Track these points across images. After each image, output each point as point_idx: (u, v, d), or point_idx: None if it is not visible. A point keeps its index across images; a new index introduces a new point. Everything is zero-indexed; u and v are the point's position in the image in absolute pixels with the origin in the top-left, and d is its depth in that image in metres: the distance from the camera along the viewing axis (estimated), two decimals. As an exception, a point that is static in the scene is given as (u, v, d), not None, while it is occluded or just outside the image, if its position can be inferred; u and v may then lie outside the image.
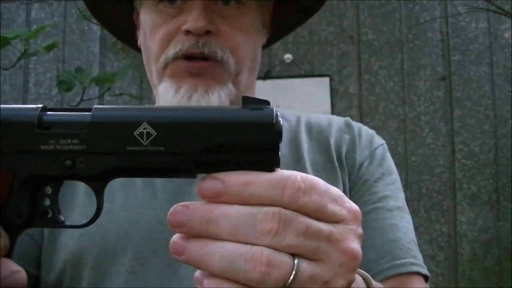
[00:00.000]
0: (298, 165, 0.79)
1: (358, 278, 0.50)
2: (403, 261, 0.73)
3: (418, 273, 0.74)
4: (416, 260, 0.75)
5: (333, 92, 2.57)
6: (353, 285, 0.42)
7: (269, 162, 0.40)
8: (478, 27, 2.55)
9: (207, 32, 0.74)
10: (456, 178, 2.48)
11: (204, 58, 0.75)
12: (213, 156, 0.40)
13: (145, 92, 2.61)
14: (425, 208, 2.46)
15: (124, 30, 0.91)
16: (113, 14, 0.88)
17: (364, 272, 0.53)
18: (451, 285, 2.41)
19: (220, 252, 0.37)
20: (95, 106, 0.41)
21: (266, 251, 0.37)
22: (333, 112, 2.50)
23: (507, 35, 2.53)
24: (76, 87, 2.15)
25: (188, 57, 0.75)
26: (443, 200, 2.48)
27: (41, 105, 0.42)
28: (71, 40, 2.68)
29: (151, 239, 0.72)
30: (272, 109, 0.40)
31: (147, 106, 0.43)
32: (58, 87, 2.14)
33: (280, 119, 0.40)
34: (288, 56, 2.59)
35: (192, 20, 0.73)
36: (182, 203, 0.39)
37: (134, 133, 0.39)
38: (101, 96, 2.55)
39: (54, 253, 0.74)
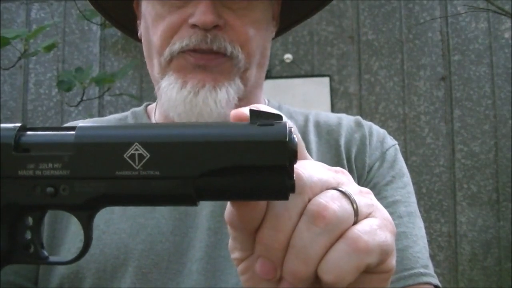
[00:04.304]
0: None
1: None
2: (411, 272, 0.69)
3: (428, 283, 0.70)
4: (426, 269, 0.71)
5: (333, 92, 2.56)
6: None
7: (283, 188, 0.34)
8: (478, 27, 2.55)
9: (215, 26, 0.69)
10: (456, 178, 2.48)
11: (212, 52, 0.70)
12: (216, 181, 0.35)
13: (145, 92, 2.60)
14: (425, 208, 2.46)
15: (123, 20, 0.86)
16: (111, 1, 0.83)
17: None
18: (451, 285, 2.41)
19: None
20: (79, 125, 0.37)
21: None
22: (332, 112, 2.49)
23: (507, 35, 2.53)
24: (76, 87, 2.15)
25: (194, 50, 0.70)
26: (443, 200, 2.48)
27: (19, 124, 0.37)
28: (71, 40, 2.68)
29: (152, 252, 0.69)
30: (285, 125, 0.34)
31: (139, 123, 0.39)
32: (58, 87, 2.15)
33: (295, 136, 0.35)
34: (288, 56, 2.59)
35: (200, 13, 0.68)
36: None
37: (124, 155, 0.35)
38: (101, 96, 2.55)
39: (52, 268, 0.71)
